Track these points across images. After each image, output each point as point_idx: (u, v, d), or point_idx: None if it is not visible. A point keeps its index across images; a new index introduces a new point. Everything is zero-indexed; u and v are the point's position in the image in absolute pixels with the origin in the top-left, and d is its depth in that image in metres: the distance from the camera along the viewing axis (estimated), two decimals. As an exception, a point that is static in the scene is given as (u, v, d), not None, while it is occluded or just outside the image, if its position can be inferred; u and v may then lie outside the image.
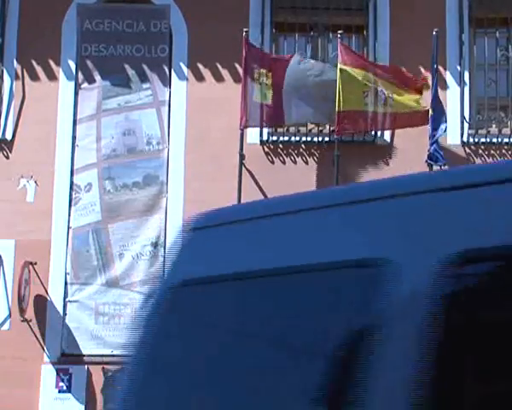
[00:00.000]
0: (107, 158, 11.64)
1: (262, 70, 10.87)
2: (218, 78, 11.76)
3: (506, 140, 11.71)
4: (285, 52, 11.82)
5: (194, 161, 11.59)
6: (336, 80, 10.78)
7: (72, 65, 11.78)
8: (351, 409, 2.54)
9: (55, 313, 11.24)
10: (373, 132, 11.64)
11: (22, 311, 11.00)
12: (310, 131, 11.68)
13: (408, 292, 2.52)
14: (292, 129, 11.59)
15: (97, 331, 11.28)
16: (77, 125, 11.71)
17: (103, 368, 11.14)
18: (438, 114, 10.92)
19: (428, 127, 10.94)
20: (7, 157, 11.66)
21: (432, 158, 10.94)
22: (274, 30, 11.89)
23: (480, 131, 11.70)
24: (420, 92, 11.03)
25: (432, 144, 10.89)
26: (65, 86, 11.75)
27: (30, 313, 11.16)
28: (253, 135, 11.57)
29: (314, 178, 11.59)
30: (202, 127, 11.64)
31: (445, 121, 11.00)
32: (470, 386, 2.50)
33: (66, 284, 11.37)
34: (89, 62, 11.81)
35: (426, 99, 11.20)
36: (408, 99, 10.94)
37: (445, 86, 11.68)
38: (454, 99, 11.73)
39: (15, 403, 10.93)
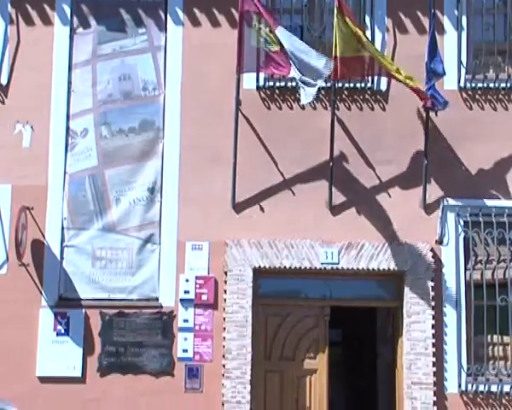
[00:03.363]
0: (103, 103, 11.89)
1: (261, 19, 10.97)
2: (215, 23, 11.95)
3: (503, 85, 11.96)
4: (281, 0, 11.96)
5: (190, 106, 11.84)
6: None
7: (67, 9, 11.99)
8: None
9: (52, 258, 11.57)
10: (370, 78, 11.82)
11: (20, 255, 11.32)
12: (306, 76, 11.85)
13: None
14: (288, 74, 11.77)
15: (94, 276, 11.62)
16: (72, 70, 11.95)
17: (101, 312, 11.50)
18: (435, 59, 11.08)
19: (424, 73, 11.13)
20: (2, 102, 11.92)
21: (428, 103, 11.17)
22: (269, -25, 12.03)
23: (477, 77, 11.94)
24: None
25: (428, 89, 11.09)
26: (60, 31, 11.96)
27: (27, 257, 11.49)
28: (249, 81, 11.79)
29: (310, 123, 11.84)
30: (198, 73, 11.86)
31: (443, 67, 11.16)
32: None
33: (63, 228, 11.69)
34: (84, 7, 12.02)
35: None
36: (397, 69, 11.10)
37: (442, 31, 11.89)
38: (451, 44, 11.95)
39: (14, 346, 11.33)
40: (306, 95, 10.82)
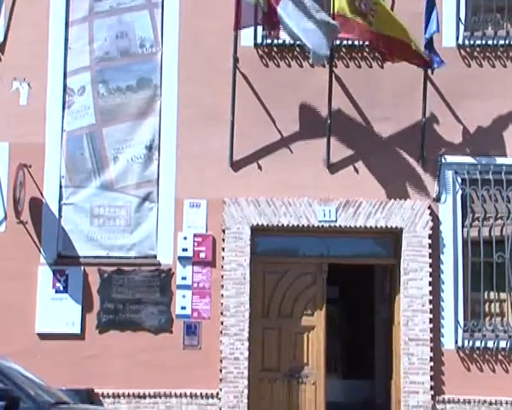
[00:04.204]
0: (100, 61, 11.91)
1: None
2: (212, -21, 11.92)
3: (502, 42, 11.99)
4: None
5: (187, 64, 11.85)
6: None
7: (64, -34, 11.93)
8: None
9: (50, 216, 11.65)
10: (368, 35, 11.77)
11: (18, 213, 11.39)
12: (304, 33, 11.83)
13: None
14: (286, 31, 11.75)
15: (93, 233, 11.70)
16: (69, 27, 11.94)
17: (99, 269, 11.58)
18: (431, 16, 11.07)
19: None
20: (-1, 59, 11.91)
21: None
22: None
23: (475, 34, 11.96)
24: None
25: (424, 47, 11.08)
26: (57, -13, 11.92)
27: (26, 215, 11.58)
28: (247, 38, 11.80)
29: (308, 81, 11.86)
30: (196, 30, 11.85)
31: (437, 22, 11.13)
32: None
33: (61, 186, 11.76)
34: (80, -37, 11.97)
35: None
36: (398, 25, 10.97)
37: (440, -13, 11.85)
38: (450, 0, 11.89)
39: (13, 303, 11.46)
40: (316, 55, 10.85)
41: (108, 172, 11.78)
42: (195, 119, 11.79)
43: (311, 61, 11.34)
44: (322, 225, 11.67)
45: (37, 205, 11.64)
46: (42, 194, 11.68)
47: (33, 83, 11.82)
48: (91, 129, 11.84)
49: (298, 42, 11.22)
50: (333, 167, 11.80)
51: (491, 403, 11.33)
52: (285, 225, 11.66)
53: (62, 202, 11.74)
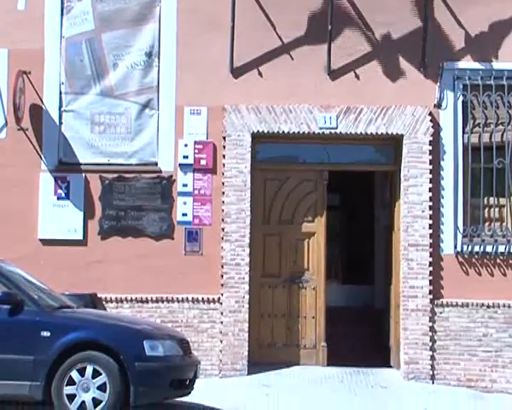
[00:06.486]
0: (99, -35, 11.77)
1: None
2: None
3: None
4: None
5: (187, -32, 11.70)
6: None
7: None
8: None
9: (50, 123, 11.68)
10: None
11: (18, 120, 11.44)
12: None
13: None
14: None
15: (93, 141, 11.74)
16: None
17: (100, 176, 11.64)
18: None
19: None
20: (-5, -36, 11.78)
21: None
22: None
23: None
24: None
25: None
26: None
27: (26, 121, 11.61)
28: None
29: (310, -14, 11.73)
30: None
31: None
32: None
33: (60, 93, 11.72)
34: None
35: None
36: None
37: None
38: None
39: (15, 210, 11.57)
40: None
41: (108, 79, 11.75)
42: (195, 25, 11.71)
43: None
44: (323, 132, 11.68)
45: (37, 112, 11.66)
46: (42, 100, 11.68)
47: (31, -12, 11.75)
48: (90, 35, 11.78)
49: None
50: (334, 74, 11.75)
51: (488, 306, 11.52)
52: (285, 132, 11.67)
53: (62, 109, 11.76)
